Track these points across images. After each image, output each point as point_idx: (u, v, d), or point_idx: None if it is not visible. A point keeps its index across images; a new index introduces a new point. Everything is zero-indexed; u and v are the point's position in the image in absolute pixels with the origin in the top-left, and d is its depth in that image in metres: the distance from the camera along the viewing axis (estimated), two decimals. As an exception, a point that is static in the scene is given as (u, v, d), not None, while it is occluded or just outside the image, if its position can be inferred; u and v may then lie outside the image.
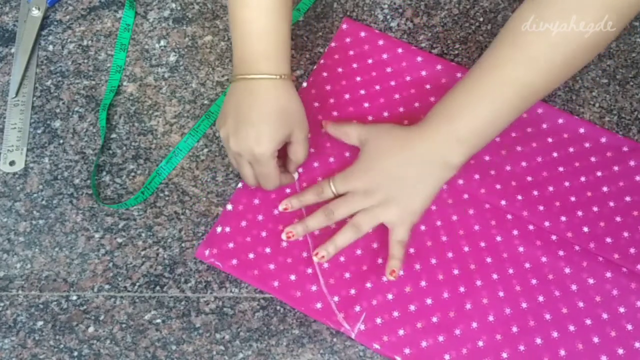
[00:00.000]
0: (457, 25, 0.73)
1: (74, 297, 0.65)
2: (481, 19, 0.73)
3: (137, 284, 0.65)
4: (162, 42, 0.73)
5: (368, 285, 0.63)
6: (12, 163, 0.69)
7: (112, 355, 0.63)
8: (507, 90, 0.55)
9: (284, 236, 0.63)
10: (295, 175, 0.66)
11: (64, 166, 0.69)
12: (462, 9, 0.73)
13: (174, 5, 0.75)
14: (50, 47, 0.74)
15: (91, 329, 0.63)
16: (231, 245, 0.64)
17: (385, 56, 0.71)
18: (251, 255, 0.64)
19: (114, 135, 0.70)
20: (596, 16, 0.51)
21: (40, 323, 0.64)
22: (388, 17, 0.73)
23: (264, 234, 0.65)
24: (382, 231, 0.64)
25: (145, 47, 0.73)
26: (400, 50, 0.71)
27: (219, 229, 0.65)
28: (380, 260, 0.64)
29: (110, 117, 0.71)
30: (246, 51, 0.58)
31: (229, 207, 0.66)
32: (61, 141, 0.70)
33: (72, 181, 0.68)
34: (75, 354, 0.63)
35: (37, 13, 0.74)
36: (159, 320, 0.63)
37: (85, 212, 0.67)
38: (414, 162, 0.59)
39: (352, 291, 0.63)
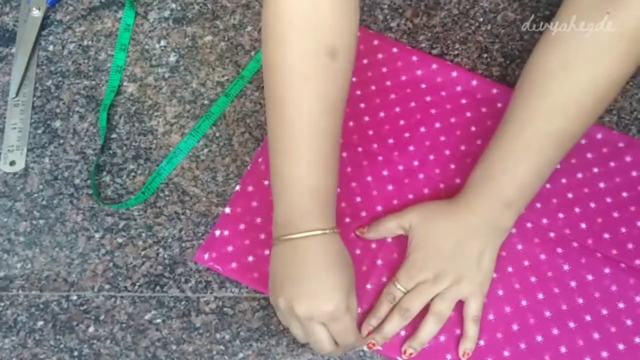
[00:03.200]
0: (457, 25, 0.73)
1: (74, 297, 0.65)
2: (481, 19, 0.73)
3: (137, 283, 0.65)
4: (163, 42, 0.74)
5: (368, 286, 0.63)
6: (12, 163, 0.69)
7: (113, 355, 0.63)
8: (545, 143, 0.55)
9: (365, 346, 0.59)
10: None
11: (64, 166, 0.69)
12: (462, 9, 0.74)
13: (174, 5, 0.75)
14: (51, 47, 0.74)
15: (91, 329, 0.63)
16: (230, 248, 0.64)
17: (380, 56, 0.71)
18: (250, 258, 0.64)
19: (114, 135, 0.70)
20: (620, 54, 0.51)
21: (40, 323, 0.64)
22: (388, 17, 0.73)
23: (262, 236, 0.65)
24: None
25: (145, 47, 0.73)
26: (395, 50, 0.71)
27: (217, 233, 0.65)
28: (379, 262, 0.63)
29: (110, 117, 0.71)
30: (296, 210, 0.53)
31: (227, 210, 0.66)
32: (61, 141, 0.70)
33: (72, 181, 0.68)
34: (76, 353, 0.63)
35: (37, 13, 0.74)
36: (159, 320, 0.63)
37: (86, 212, 0.67)
38: (470, 236, 0.59)
39: (352, 292, 0.63)
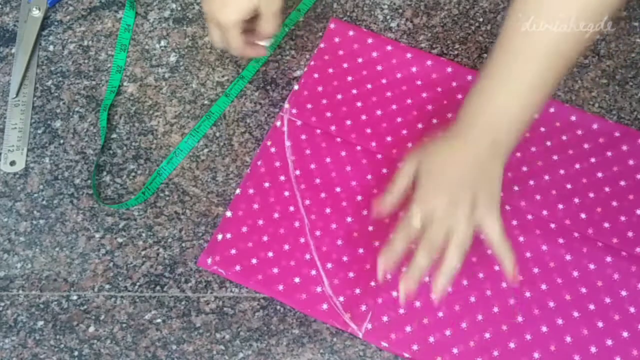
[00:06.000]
0: (457, 25, 0.73)
1: (75, 297, 0.64)
2: (481, 20, 0.73)
3: (138, 283, 0.65)
4: (163, 43, 0.74)
5: (372, 284, 0.63)
6: (12, 163, 0.69)
7: (113, 355, 0.62)
8: (535, 64, 0.53)
9: (402, 298, 0.56)
10: (266, 43, 0.65)
11: (64, 166, 0.69)
12: (461, 10, 0.74)
13: (174, 5, 0.75)
14: (51, 48, 0.74)
15: (91, 329, 0.63)
16: (233, 251, 0.64)
17: (374, 54, 0.71)
18: (254, 261, 0.64)
19: (114, 136, 0.70)
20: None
21: (40, 323, 0.64)
22: (388, 17, 0.74)
23: (265, 238, 0.65)
24: (381, 229, 0.64)
25: (145, 47, 0.74)
26: (389, 47, 0.71)
27: (219, 237, 0.65)
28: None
29: (110, 117, 0.71)
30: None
31: (229, 214, 0.66)
32: (62, 141, 0.70)
33: (72, 181, 0.68)
34: (76, 353, 0.63)
35: (37, 13, 0.74)
36: (159, 320, 0.63)
37: (86, 212, 0.67)
38: (472, 154, 0.57)
39: (357, 290, 0.63)
